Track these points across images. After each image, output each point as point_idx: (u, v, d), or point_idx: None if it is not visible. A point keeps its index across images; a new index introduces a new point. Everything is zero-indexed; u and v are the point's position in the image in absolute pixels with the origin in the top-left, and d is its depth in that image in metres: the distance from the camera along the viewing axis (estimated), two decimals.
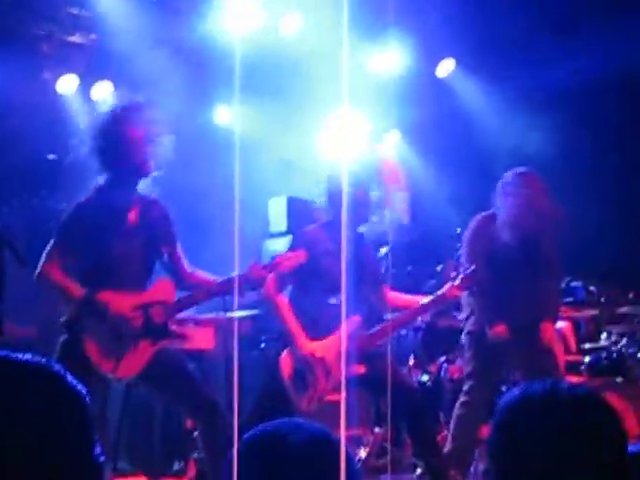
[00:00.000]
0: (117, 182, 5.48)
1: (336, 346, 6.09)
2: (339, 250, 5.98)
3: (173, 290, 5.65)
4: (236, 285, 5.67)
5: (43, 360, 1.74)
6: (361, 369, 6.07)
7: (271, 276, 5.93)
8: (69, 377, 1.72)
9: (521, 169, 6.89)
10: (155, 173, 5.51)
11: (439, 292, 6.36)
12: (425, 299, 6.47)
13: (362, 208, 6.24)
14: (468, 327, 6.93)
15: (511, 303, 6.67)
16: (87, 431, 1.71)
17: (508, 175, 6.80)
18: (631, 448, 2.26)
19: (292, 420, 1.96)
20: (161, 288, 5.65)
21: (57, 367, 1.72)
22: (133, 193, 5.56)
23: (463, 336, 7.11)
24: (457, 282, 6.30)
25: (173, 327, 5.69)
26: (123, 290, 5.48)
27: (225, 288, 5.79)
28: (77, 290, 5.33)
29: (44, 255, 5.40)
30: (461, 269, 6.55)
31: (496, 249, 6.73)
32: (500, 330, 6.62)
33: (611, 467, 1.99)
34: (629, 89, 10.18)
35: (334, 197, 6.30)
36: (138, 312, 5.50)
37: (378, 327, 6.31)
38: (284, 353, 6.06)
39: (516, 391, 2.17)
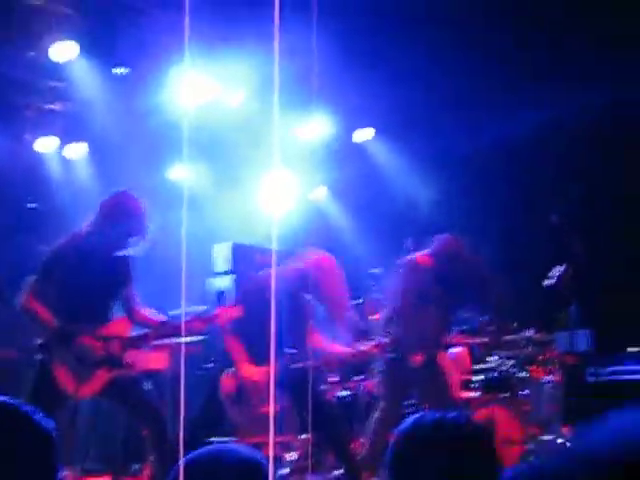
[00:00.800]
0: (97, 237, 6.20)
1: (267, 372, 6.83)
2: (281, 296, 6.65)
3: (129, 326, 6.35)
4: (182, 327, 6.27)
5: (14, 401, 2.05)
6: (287, 399, 6.89)
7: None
8: (37, 415, 2.02)
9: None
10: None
11: (362, 349, 7.26)
12: (347, 351, 7.39)
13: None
14: (386, 354, 7.51)
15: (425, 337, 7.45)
16: (52, 460, 2.01)
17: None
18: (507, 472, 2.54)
19: (227, 445, 2.29)
20: (120, 324, 6.32)
21: (26, 407, 2.02)
22: (108, 247, 6.25)
23: (380, 361, 7.66)
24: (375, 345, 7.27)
25: (127, 359, 6.25)
26: (88, 323, 6.06)
27: (167, 331, 6.53)
28: (51, 321, 5.92)
29: (27, 287, 5.98)
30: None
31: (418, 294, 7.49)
32: (418, 359, 7.27)
33: None
34: (514, 157, 10.89)
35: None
36: (99, 343, 6.09)
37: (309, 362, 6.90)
38: (226, 374, 6.86)
39: (410, 420, 2.45)
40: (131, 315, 6.46)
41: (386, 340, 7.16)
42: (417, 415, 2.46)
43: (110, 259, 6.28)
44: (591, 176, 10.47)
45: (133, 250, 6.40)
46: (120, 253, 6.31)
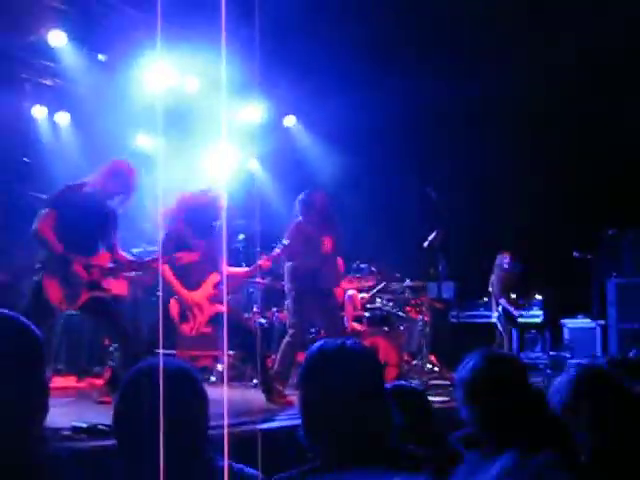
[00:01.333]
0: (94, 190, 6.88)
1: (204, 294, 7.32)
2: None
3: (109, 260, 6.97)
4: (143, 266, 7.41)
5: (14, 314, 2.26)
6: (222, 308, 7.30)
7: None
8: (32, 326, 2.24)
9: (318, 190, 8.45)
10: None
11: (256, 264, 7.70)
12: (247, 269, 7.93)
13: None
14: (290, 290, 8.24)
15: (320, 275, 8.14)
16: (42, 362, 2.24)
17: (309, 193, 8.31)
18: (387, 386, 2.92)
19: (166, 357, 2.53)
20: (103, 257, 6.95)
21: (22, 319, 2.24)
22: (103, 200, 6.93)
23: (287, 295, 8.36)
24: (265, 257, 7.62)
25: (105, 284, 6.91)
26: (80, 254, 6.70)
27: (134, 267, 7.53)
28: (58, 246, 6.52)
29: (39, 217, 6.56)
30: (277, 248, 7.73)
31: (308, 237, 8.12)
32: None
33: (373, 393, 2.53)
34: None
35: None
36: (85, 270, 6.73)
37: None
38: (172, 300, 7.22)
39: (316, 345, 2.65)
40: (112, 253, 7.07)
41: (272, 254, 7.60)
42: (322, 340, 2.67)
43: (102, 209, 6.92)
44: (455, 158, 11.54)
45: (120, 205, 7.07)
46: (110, 205, 6.98)
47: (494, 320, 10.89)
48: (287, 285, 8.35)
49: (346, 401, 2.46)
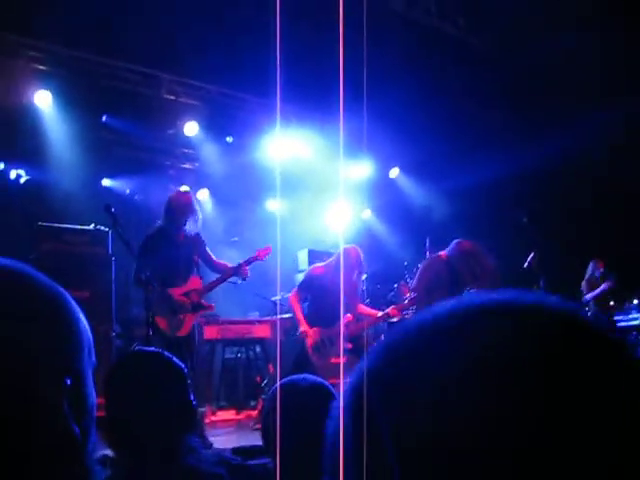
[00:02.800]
0: (169, 227, 7.34)
1: (336, 331, 7.69)
2: (338, 280, 7.61)
3: (200, 281, 7.47)
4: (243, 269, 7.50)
5: (158, 350, 2.59)
6: (349, 345, 7.70)
7: (294, 292, 7.79)
8: (175, 359, 2.53)
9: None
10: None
11: (386, 312, 7.90)
12: (380, 313, 8.06)
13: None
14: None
15: None
16: (187, 391, 2.50)
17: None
18: None
19: (305, 375, 2.65)
20: (194, 281, 7.43)
21: (165, 353, 2.53)
22: (177, 231, 7.33)
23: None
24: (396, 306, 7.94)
25: (203, 304, 7.42)
26: (174, 285, 7.25)
27: (233, 272, 7.52)
28: (153, 287, 6.80)
29: (135, 265, 6.95)
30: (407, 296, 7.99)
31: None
32: None
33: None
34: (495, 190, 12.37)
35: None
36: (184, 297, 7.27)
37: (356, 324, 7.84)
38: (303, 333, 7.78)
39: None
40: (212, 267, 7.66)
41: (402, 304, 7.92)
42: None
43: (179, 239, 7.37)
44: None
45: (194, 227, 7.43)
46: (186, 233, 7.37)
47: None
48: None
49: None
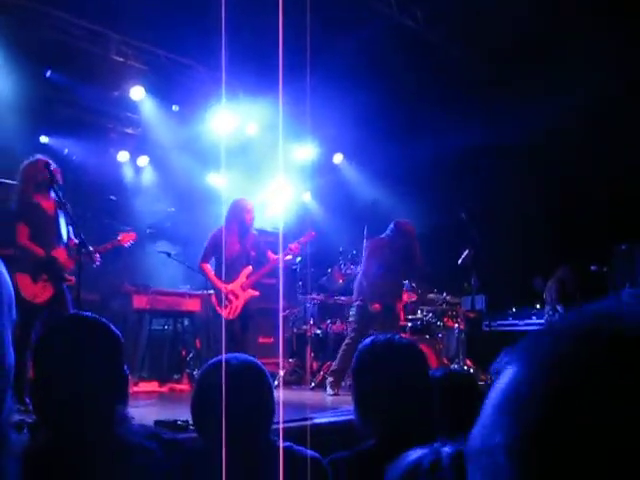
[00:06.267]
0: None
1: (239, 283, 8.29)
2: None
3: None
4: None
5: (97, 316, 2.48)
6: (254, 293, 8.32)
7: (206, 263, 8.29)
8: (112, 326, 2.47)
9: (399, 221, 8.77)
10: None
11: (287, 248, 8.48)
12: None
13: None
14: (357, 302, 8.74)
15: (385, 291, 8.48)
16: (121, 353, 2.46)
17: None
18: (432, 372, 2.98)
19: (236, 354, 2.66)
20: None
21: (103, 320, 2.47)
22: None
23: (353, 307, 8.83)
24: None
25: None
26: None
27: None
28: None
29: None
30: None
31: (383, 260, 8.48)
32: (376, 306, 8.48)
33: (420, 385, 2.62)
34: (438, 173, 12.38)
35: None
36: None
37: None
38: (212, 294, 8.35)
39: (368, 339, 2.80)
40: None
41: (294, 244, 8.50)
42: (373, 336, 2.77)
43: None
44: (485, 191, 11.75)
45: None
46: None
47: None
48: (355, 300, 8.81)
49: (393, 389, 2.57)
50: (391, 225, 8.79)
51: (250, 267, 8.33)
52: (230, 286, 8.22)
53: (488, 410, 0.66)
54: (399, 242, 8.63)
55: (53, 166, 7.02)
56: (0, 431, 0.85)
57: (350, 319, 9.00)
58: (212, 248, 8.22)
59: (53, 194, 6.97)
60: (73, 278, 6.81)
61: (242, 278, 8.27)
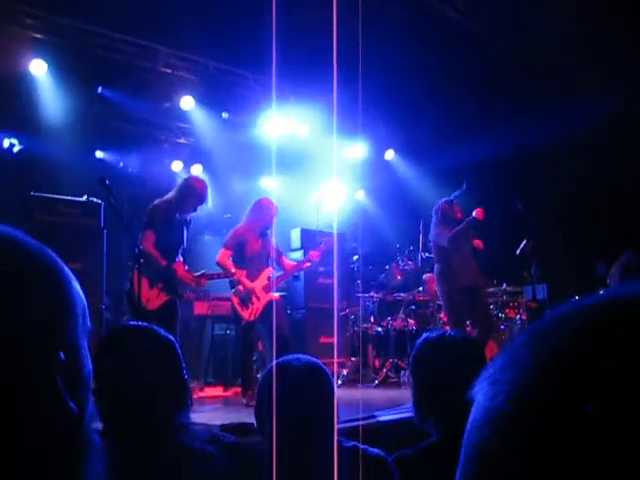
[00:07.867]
0: (174, 206, 7.39)
1: (261, 284, 7.96)
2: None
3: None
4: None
5: (150, 326, 2.51)
6: (276, 296, 8.01)
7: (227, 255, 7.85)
8: (163, 332, 2.49)
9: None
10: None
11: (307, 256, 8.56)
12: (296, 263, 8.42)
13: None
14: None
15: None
16: (178, 363, 2.46)
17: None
18: None
19: (298, 355, 2.59)
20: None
21: (155, 328, 2.49)
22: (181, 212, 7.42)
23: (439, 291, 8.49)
24: None
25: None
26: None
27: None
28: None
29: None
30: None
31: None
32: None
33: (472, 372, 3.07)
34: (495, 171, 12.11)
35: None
36: (189, 274, 7.44)
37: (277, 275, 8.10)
38: (232, 295, 7.99)
39: (422, 337, 2.80)
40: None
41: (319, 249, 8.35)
42: (426, 333, 2.76)
43: (179, 222, 7.43)
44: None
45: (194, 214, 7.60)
46: (188, 217, 7.51)
47: None
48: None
49: (449, 383, 2.49)
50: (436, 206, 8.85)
51: (271, 268, 8.08)
52: (254, 284, 7.96)
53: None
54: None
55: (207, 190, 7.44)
56: (85, 435, 0.88)
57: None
58: (235, 246, 7.97)
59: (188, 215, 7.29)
60: (189, 295, 6.94)
61: (263, 280, 7.99)
